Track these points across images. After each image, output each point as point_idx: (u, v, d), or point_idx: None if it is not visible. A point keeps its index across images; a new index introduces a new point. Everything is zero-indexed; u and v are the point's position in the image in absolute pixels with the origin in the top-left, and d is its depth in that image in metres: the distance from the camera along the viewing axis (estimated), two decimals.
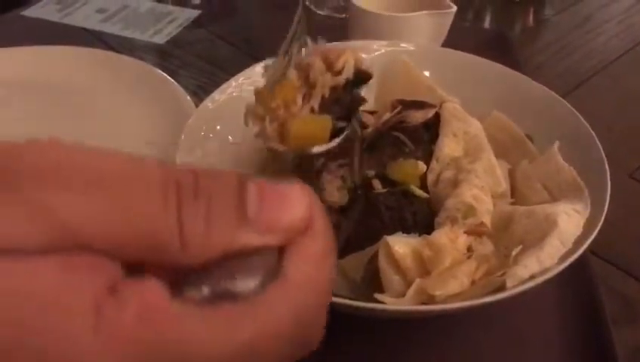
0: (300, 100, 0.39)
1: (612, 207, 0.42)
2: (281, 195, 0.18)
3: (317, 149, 0.39)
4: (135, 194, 0.16)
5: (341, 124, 0.41)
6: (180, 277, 0.17)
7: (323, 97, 0.39)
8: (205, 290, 0.17)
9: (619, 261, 0.51)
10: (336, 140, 0.40)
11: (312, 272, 0.18)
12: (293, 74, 0.39)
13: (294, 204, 0.18)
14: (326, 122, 0.40)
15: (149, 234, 0.16)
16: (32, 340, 0.15)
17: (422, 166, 0.46)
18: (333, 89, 0.40)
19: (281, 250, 0.18)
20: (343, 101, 0.41)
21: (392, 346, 0.44)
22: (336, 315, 0.39)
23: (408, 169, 0.46)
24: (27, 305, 0.15)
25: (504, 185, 0.46)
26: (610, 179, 0.43)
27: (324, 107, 0.40)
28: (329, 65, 0.39)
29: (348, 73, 0.39)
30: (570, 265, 0.40)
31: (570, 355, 0.44)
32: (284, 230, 0.18)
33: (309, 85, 0.39)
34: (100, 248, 0.16)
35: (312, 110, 0.39)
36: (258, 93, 0.40)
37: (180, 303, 0.16)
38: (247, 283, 0.17)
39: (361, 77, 0.42)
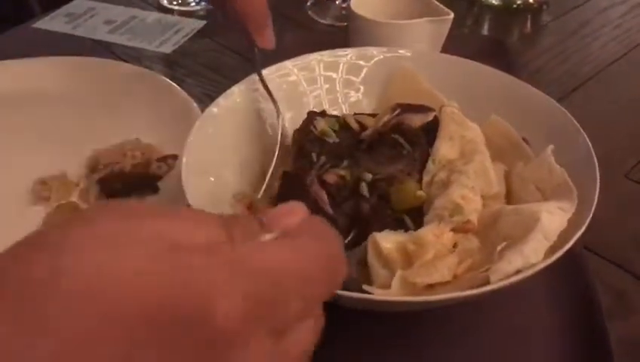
0: None
1: (608, 205, 0.44)
2: (286, 208, 0.27)
3: None
4: (196, 221, 0.24)
5: None
6: None
7: None
8: None
9: (614, 257, 0.52)
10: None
11: (324, 226, 0.27)
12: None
13: (297, 209, 0.27)
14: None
15: (212, 237, 0.24)
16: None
17: (421, 194, 0.47)
18: None
19: None
20: None
21: (391, 342, 0.45)
22: (333, 313, 0.41)
23: (409, 197, 0.47)
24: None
25: (496, 187, 0.47)
26: (607, 179, 0.44)
27: None
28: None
29: None
30: (567, 261, 0.41)
31: (566, 348, 0.45)
32: (294, 222, 0.26)
33: None
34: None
35: None
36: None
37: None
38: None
39: None
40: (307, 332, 0.25)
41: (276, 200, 0.46)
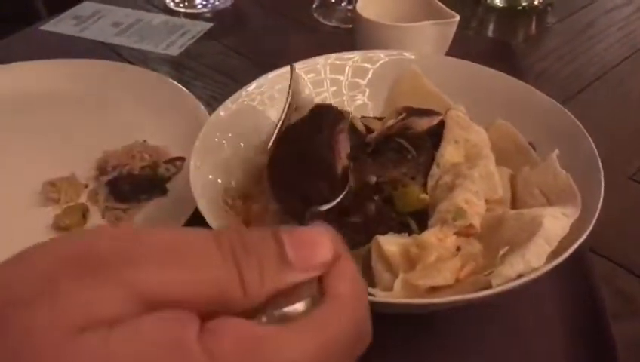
0: None
1: (612, 207, 0.44)
2: (310, 237, 0.23)
3: (324, 207, 0.41)
4: (200, 260, 0.21)
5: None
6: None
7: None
8: (264, 318, 0.21)
9: (619, 258, 0.52)
10: (337, 200, 0.43)
11: (352, 285, 0.23)
12: None
13: (322, 242, 0.23)
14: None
15: (217, 289, 0.21)
16: None
17: (424, 197, 0.47)
18: None
19: (320, 279, 0.22)
20: None
21: (392, 344, 0.45)
22: None
23: (412, 199, 0.47)
24: (155, 352, 0.19)
25: (500, 192, 0.47)
26: (611, 181, 0.45)
27: None
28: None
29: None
30: (572, 264, 0.42)
31: (572, 350, 0.45)
32: (320, 264, 0.22)
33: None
34: (182, 307, 0.20)
35: None
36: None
37: (259, 325, 0.21)
38: (297, 306, 0.22)
39: None
40: None
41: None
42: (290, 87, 0.50)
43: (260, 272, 0.21)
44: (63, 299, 0.19)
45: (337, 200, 0.42)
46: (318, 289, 0.22)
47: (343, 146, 0.45)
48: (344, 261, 0.23)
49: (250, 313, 0.21)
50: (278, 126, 0.47)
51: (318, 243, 0.22)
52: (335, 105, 0.46)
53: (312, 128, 0.44)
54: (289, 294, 0.22)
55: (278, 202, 0.44)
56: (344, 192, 0.43)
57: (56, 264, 0.20)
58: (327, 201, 0.42)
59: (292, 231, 0.22)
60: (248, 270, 0.21)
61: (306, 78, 0.59)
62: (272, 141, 0.46)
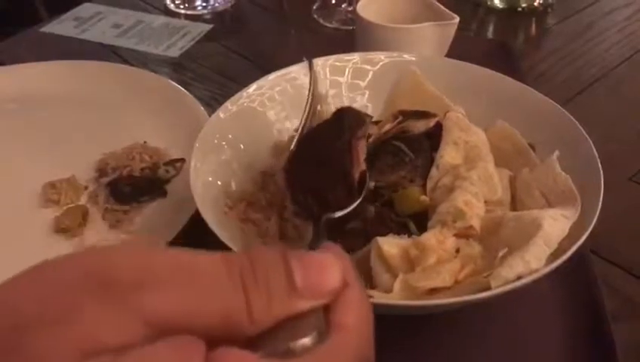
0: None
1: (612, 209, 0.44)
2: (319, 264, 0.22)
3: (339, 213, 0.42)
4: (209, 285, 0.21)
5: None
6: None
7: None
8: (268, 351, 0.21)
9: (619, 259, 0.53)
10: (352, 206, 0.43)
11: (360, 315, 0.23)
12: None
13: (331, 269, 0.22)
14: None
15: (225, 316, 0.20)
16: None
17: (424, 199, 0.47)
18: None
19: (327, 307, 0.22)
20: None
21: (392, 345, 0.45)
22: None
23: (412, 201, 0.47)
24: None
25: (500, 193, 0.48)
26: (611, 182, 0.45)
27: None
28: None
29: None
30: (572, 265, 0.42)
31: (571, 351, 0.45)
32: (328, 292, 0.22)
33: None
34: (189, 332, 0.20)
35: None
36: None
37: (265, 359, 0.20)
38: (303, 341, 0.21)
39: None
40: None
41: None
42: (310, 85, 0.50)
43: (268, 299, 0.21)
44: (74, 322, 0.19)
45: (353, 206, 0.43)
46: (324, 320, 0.22)
47: (362, 151, 0.45)
48: (352, 288, 0.23)
49: (256, 339, 0.21)
50: (300, 127, 0.48)
51: (327, 270, 0.22)
52: (357, 109, 0.47)
53: (332, 133, 0.45)
54: (295, 324, 0.22)
55: (294, 204, 0.44)
56: (360, 198, 0.44)
57: (63, 284, 0.20)
58: (344, 207, 0.42)
59: (301, 257, 0.22)
60: (256, 297, 0.21)
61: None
62: (294, 142, 0.47)
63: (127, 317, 0.19)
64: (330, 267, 0.22)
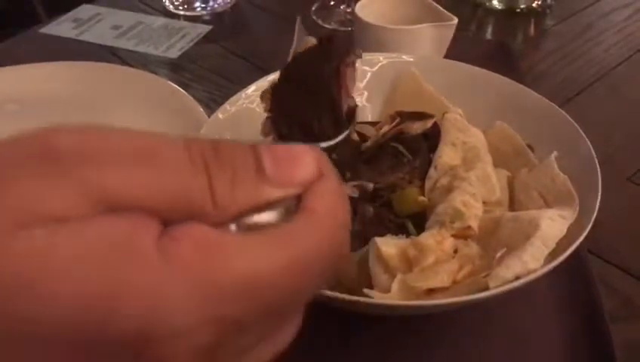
0: None
1: (610, 209, 0.44)
2: (292, 154, 0.21)
3: (325, 144, 0.39)
4: (166, 163, 0.19)
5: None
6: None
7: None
8: (233, 226, 0.19)
9: (617, 260, 0.53)
10: (339, 137, 0.40)
11: (332, 203, 0.21)
12: None
13: (304, 159, 0.21)
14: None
15: (184, 197, 0.19)
16: (118, 281, 0.17)
17: (423, 199, 0.47)
18: None
19: (298, 198, 0.21)
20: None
21: (391, 346, 0.46)
22: (334, 314, 0.41)
23: (410, 202, 0.47)
24: (104, 251, 0.17)
25: (498, 193, 0.48)
26: (609, 182, 0.45)
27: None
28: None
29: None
30: (570, 265, 0.42)
31: (569, 352, 0.45)
32: (299, 182, 0.21)
33: None
34: (142, 207, 0.18)
35: None
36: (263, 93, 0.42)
37: (224, 232, 0.19)
38: (268, 215, 0.20)
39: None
40: (273, 347, 0.21)
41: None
42: (295, 34, 0.48)
43: (232, 183, 0.19)
44: (9, 192, 0.17)
45: (340, 138, 0.40)
46: (294, 204, 0.21)
47: (351, 81, 0.42)
48: (327, 179, 0.21)
49: (220, 227, 0.19)
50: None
51: (300, 160, 0.21)
52: (346, 40, 0.44)
53: (319, 57, 0.41)
54: (263, 208, 0.20)
55: (277, 135, 0.41)
56: (347, 131, 0.41)
57: (5, 158, 0.18)
58: (330, 138, 0.40)
59: (273, 147, 0.21)
60: (220, 180, 0.19)
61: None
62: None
63: (71, 189, 0.17)
64: (303, 157, 0.21)
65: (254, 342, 0.20)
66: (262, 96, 0.43)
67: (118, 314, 0.17)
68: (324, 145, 0.39)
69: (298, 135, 0.40)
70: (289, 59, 0.43)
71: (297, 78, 0.41)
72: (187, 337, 0.17)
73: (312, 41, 0.42)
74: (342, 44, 0.41)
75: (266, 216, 0.20)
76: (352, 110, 0.42)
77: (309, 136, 0.39)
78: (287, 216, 0.20)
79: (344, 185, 0.45)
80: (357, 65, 0.42)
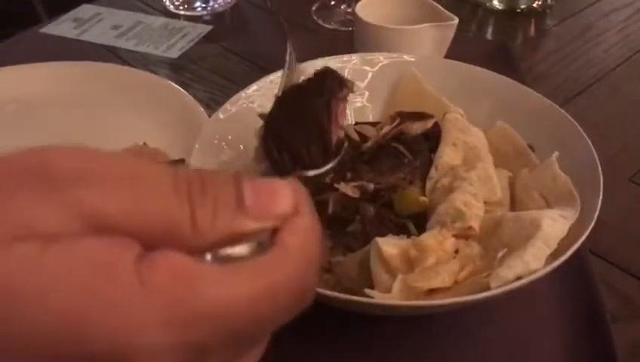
0: None
1: (612, 209, 0.44)
2: (271, 188, 0.22)
3: (312, 173, 0.41)
4: (152, 190, 0.20)
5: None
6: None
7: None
8: (208, 256, 0.21)
9: (618, 260, 0.53)
10: (327, 167, 0.42)
11: (305, 239, 0.22)
12: None
13: (283, 194, 0.22)
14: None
15: (166, 223, 0.20)
16: (96, 299, 0.18)
17: (424, 199, 0.47)
18: None
19: (274, 231, 0.22)
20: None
21: (391, 345, 0.46)
22: (334, 314, 0.41)
23: (411, 202, 0.47)
24: (87, 271, 0.18)
25: (499, 194, 0.48)
26: (610, 183, 0.45)
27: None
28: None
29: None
30: (572, 265, 0.42)
31: (571, 351, 0.45)
32: (276, 215, 0.22)
33: None
34: (124, 231, 0.19)
35: None
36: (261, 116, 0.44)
37: (199, 261, 0.20)
38: (242, 248, 0.21)
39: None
40: None
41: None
42: (288, 47, 0.50)
43: (213, 212, 0.20)
44: (9, 206, 0.18)
45: (327, 167, 0.42)
46: (268, 238, 0.22)
47: (342, 114, 0.44)
48: (303, 217, 0.22)
49: (197, 255, 0.20)
50: (281, 86, 0.47)
51: (279, 194, 0.22)
52: (340, 73, 0.46)
53: (312, 90, 0.43)
54: (239, 239, 0.21)
55: (268, 159, 0.43)
56: (335, 161, 0.42)
57: (5, 174, 0.19)
58: (318, 167, 0.41)
59: (254, 180, 0.22)
60: (201, 208, 0.20)
61: None
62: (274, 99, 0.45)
63: (63, 209, 0.19)
64: (282, 192, 0.22)
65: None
66: (256, 132, 0.44)
67: (93, 331, 0.18)
68: (312, 173, 0.41)
69: (288, 162, 0.41)
70: (280, 90, 0.45)
71: (290, 108, 0.43)
72: (153, 358, 0.18)
73: (303, 69, 0.44)
74: (335, 78, 0.43)
75: (240, 249, 0.21)
76: (341, 142, 0.44)
77: (299, 163, 0.41)
78: (261, 249, 0.21)
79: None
80: (354, 90, 0.45)
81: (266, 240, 0.22)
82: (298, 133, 0.42)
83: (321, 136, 0.42)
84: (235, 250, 0.21)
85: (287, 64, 0.49)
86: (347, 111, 0.44)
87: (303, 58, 0.59)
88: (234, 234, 0.21)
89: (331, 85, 0.43)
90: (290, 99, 0.44)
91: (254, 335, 0.21)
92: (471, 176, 0.47)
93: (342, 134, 0.44)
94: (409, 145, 0.51)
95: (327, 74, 0.44)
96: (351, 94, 0.59)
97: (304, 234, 0.22)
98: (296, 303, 0.21)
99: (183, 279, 0.19)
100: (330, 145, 0.43)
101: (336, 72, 0.45)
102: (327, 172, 0.42)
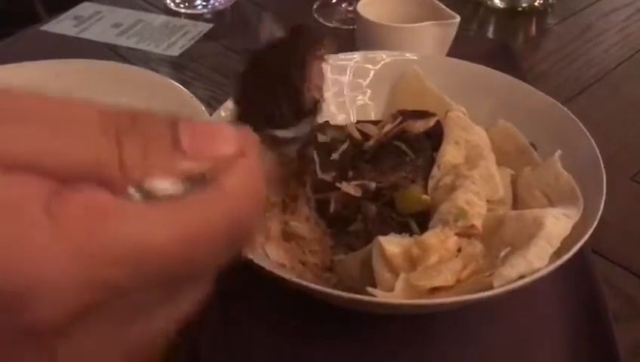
0: None
1: (614, 209, 0.44)
2: (212, 130, 0.20)
3: (282, 133, 0.40)
4: (75, 127, 0.18)
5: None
6: None
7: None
8: (133, 191, 0.19)
9: (620, 259, 0.52)
10: (299, 128, 0.40)
11: (244, 180, 0.20)
12: None
13: (224, 137, 0.20)
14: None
15: (89, 161, 0.18)
16: None
17: (426, 198, 0.47)
18: None
19: (213, 173, 0.20)
20: None
21: (392, 345, 0.46)
22: (336, 313, 0.41)
23: (413, 201, 0.47)
24: None
25: (501, 192, 0.48)
26: (612, 182, 0.45)
27: None
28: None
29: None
30: (574, 264, 0.42)
31: (573, 351, 0.45)
32: (214, 156, 0.20)
33: None
34: (40, 170, 0.17)
35: None
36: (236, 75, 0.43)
37: (119, 198, 0.18)
38: (171, 185, 0.19)
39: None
40: (176, 309, 0.21)
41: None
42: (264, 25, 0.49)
43: (143, 151, 0.19)
44: None
45: (300, 130, 0.40)
46: (205, 179, 0.20)
47: (317, 75, 0.43)
48: (247, 160, 0.20)
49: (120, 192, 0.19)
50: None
51: (220, 137, 0.20)
52: (316, 32, 0.45)
53: (286, 48, 0.40)
54: (172, 179, 0.19)
55: (241, 119, 0.42)
56: (310, 122, 0.40)
57: None
58: (289, 126, 0.39)
59: (194, 122, 0.20)
60: (130, 147, 0.18)
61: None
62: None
63: None
64: (223, 135, 0.20)
65: (150, 305, 0.19)
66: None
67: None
68: (281, 133, 0.39)
69: (260, 121, 0.40)
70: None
71: (263, 66, 0.42)
72: (63, 297, 0.17)
73: (281, 31, 0.43)
74: (311, 36, 0.42)
75: (168, 185, 0.19)
76: (316, 103, 0.42)
77: (270, 121, 0.39)
78: (195, 189, 0.20)
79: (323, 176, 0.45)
80: (331, 61, 0.43)
81: (203, 181, 0.20)
82: (270, 91, 0.41)
83: (294, 95, 0.40)
84: (162, 184, 0.19)
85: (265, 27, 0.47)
86: (325, 72, 0.42)
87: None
88: (166, 176, 0.19)
89: (306, 42, 0.42)
90: (263, 58, 0.43)
91: (183, 274, 0.20)
92: (473, 174, 0.47)
93: (318, 95, 0.43)
94: (411, 143, 0.51)
95: (301, 30, 0.42)
96: (352, 93, 0.60)
97: (244, 175, 0.20)
98: (232, 243, 0.20)
99: (96, 213, 0.17)
100: (303, 104, 0.41)
101: (312, 29, 0.44)
102: (300, 137, 0.41)
